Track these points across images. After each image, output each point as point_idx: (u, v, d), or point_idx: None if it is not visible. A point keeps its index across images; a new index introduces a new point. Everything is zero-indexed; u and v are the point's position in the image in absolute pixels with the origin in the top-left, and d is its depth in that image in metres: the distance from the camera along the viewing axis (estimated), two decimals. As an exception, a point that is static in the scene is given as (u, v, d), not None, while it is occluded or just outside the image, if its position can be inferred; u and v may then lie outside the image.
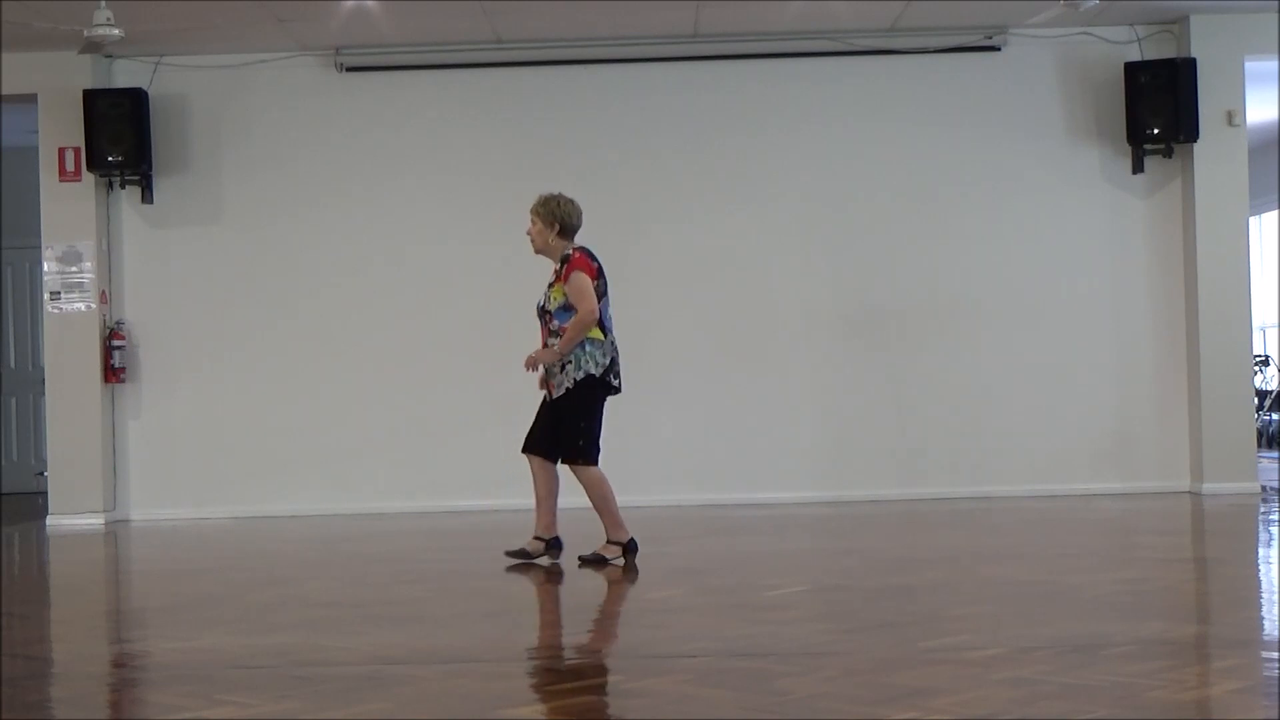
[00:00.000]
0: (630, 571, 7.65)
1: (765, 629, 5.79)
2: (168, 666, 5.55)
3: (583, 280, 7.69)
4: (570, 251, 7.82)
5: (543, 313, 7.85)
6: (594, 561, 7.80)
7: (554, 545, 7.94)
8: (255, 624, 6.30)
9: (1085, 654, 5.08)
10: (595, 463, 7.80)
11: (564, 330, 7.70)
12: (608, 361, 7.77)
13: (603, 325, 7.77)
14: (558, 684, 5.04)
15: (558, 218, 7.83)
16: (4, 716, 4.57)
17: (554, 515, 7.92)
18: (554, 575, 7.63)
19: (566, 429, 7.77)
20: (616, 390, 7.88)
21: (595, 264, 7.82)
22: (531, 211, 7.91)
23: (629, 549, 7.86)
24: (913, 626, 5.72)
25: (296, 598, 7.00)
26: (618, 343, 7.90)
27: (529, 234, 7.93)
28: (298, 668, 5.26)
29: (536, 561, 7.87)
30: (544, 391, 7.91)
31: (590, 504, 7.89)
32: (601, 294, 7.79)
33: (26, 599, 7.60)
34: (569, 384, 7.73)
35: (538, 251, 7.96)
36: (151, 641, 6.25)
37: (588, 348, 7.72)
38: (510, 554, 7.94)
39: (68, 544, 9.98)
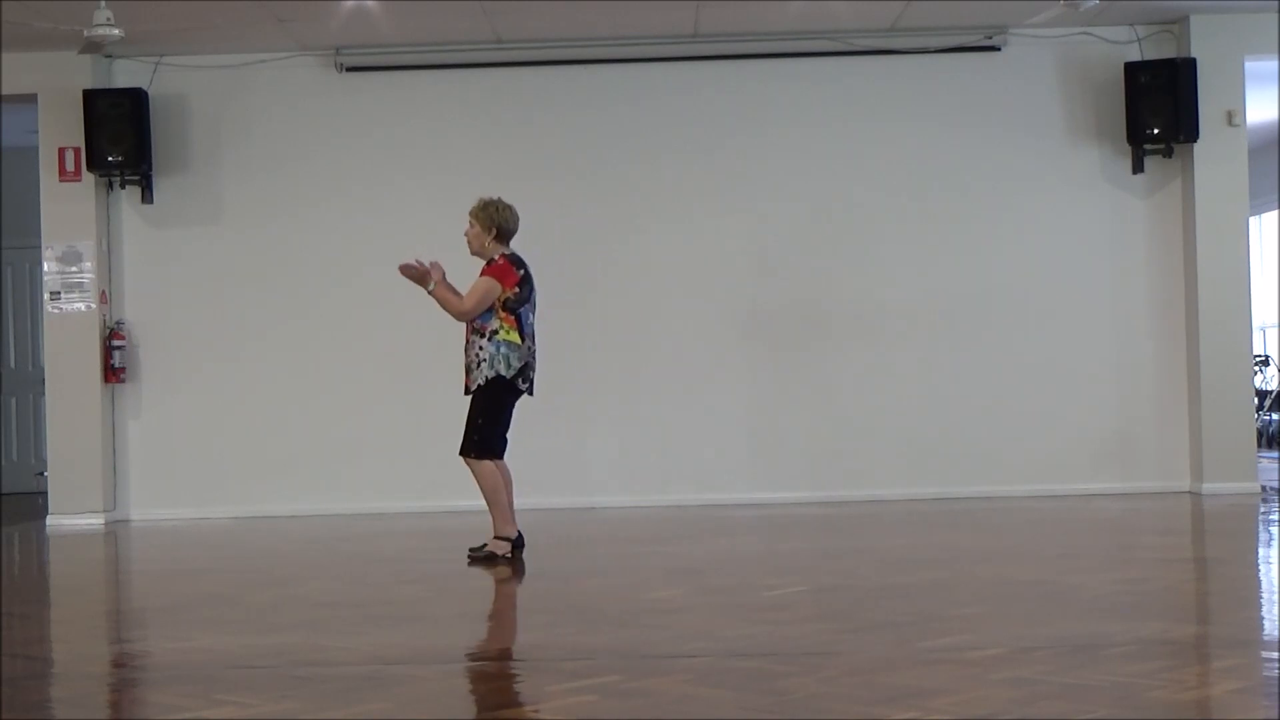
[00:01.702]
0: (517, 567, 7.83)
1: (765, 629, 5.79)
2: (168, 666, 5.55)
3: (485, 284, 7.93)
4: (496, 257, 8.01)
5: None
6: (484, 559, 7.99)
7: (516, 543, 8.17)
8: (255, 624, 6.30)
9: (1085, 654, 5.08)
10: (486, 457, 7.97)
11: (484, 329, 7.93)
12: (520, 365, 7.97)
13: (521, 331, 7.98)
14: (558, 684, 5.04)
15: (495, 222, 8.06)
16: (4, 716, 4.57)
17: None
18: (497, 578, 7.64)
19: (468, 423, 7.99)
20: (525, 393, 8.08)
21: (519, 272, 8.00)
22: (470, 214, 8.13)
23: (517, 545, 8.06)
24: (913, 626, 5.72)
25: (296, 598, 7.00)
26: (536, 350, 8.11)
27: (466, 236, 8.13)
28: (298, 668, 5.26)
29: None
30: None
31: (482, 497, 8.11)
32: (524, 301, 8.00)
33: (26, 599, 7.60)
34: (481, 381, 7.95)
35: (474, 253, 8.15)
36: (151, 641, 6.25)
37: (503, 349, 7.93)
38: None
39: (68, 544, 9.97)
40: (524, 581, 7.51)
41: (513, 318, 7.94)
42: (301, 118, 11.19)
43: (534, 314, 8.10)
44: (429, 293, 7.99)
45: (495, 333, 7.92)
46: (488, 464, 7.99)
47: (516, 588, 7.37)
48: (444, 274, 8.04)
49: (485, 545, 8.06)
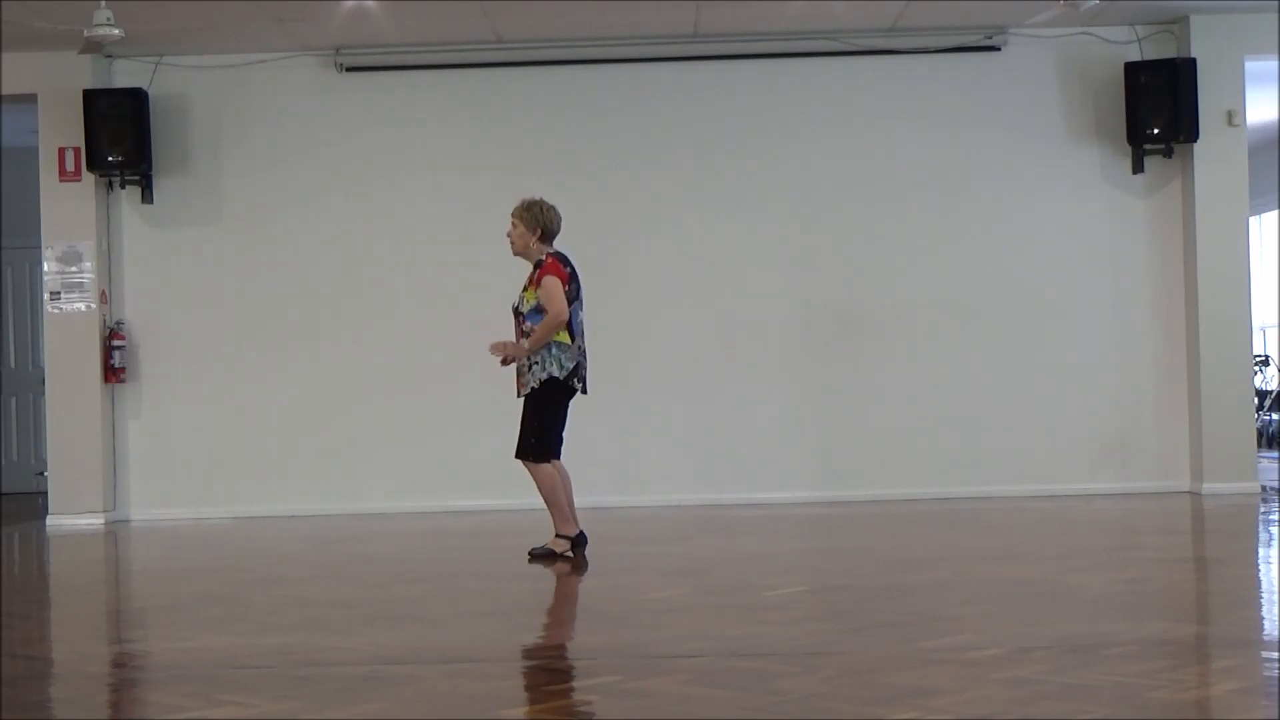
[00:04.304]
0: (581, 565, 7.86)
1: (765, 629, 5.79)
2: (168, 666, 5.55)
3: (554, 283, 7.93)
4: (544, 256, 8.03)
5: (516, 313, 8.11)
6: (544, 555, 8.03)
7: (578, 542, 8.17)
8: (255, 624, 6.30)
9: (1085, 654, 5.08)
10: (544, 460, 8.00)
11: (535, 330, 7.93)
12: (572, 365, 8.00)
13: (571, 330, 7.99)
14: (558, 684, 5.04)
15: (540, 223, 8.08)
16: (4, 716, 4.57)
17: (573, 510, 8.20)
18: (562, 574, 7.65)
19: (523, 426, 8.03)
20: (579, 392, 8.12)
21: (567, 269, 8.05)
22: (513, 215, 8.15)
23: (577, 543, 8.08)
24: (913, 626, 5.72)
25: (296, 598, 6.99)
26: (587, 348, 8.15)
27: (509, 236, 8.15)
28: (298, 668, 5.26)
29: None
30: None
31: (540, 497, 8.14)
32: (573, 299, 8.02)
33: (26, 599, 7.60)
34: (534, 384, 7.98)
35: (517, 254, 8.19)
36: (151, 641, 6.25)
37: (554, 350, 7.95)
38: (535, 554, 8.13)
39: (68, 544, 9.97)
40: (524, 582, 7.51)
41: None
42: (301, 118, 11.19)
43: (583, 311, 8.12)
44: (531, 350, 7.91)
45: None
46: (545, 466, 8.02)
47: (516, 588, 7.36)
48: (514, 343, 8.03)
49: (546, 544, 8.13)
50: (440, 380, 11.03)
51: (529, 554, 8.05)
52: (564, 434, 8.16)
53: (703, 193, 11.12)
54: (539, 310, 7.93)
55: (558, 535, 8.08)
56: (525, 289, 8.06)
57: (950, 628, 5.65)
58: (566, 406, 8.11)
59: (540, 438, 8.00)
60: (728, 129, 11.13)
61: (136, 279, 11.14)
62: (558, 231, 8.16)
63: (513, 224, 8.11)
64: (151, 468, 11.09)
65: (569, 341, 7.97)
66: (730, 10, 10.40)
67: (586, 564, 7.90)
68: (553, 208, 8.14)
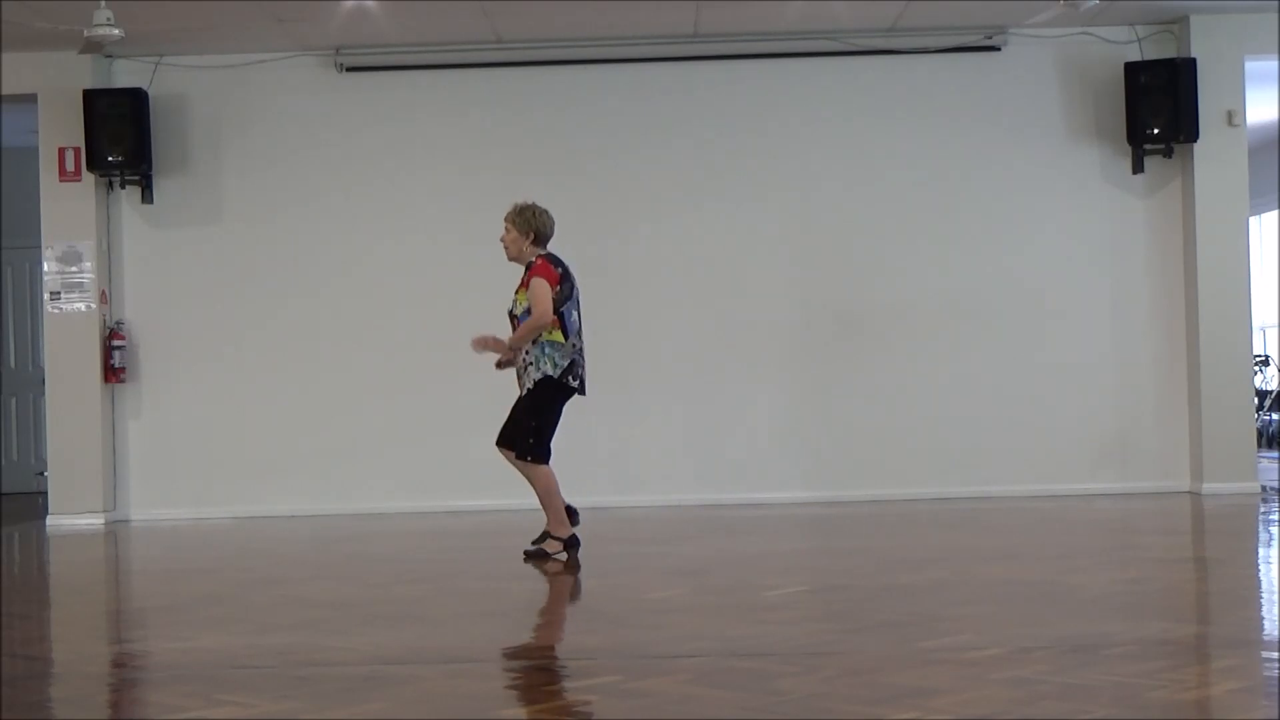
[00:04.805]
0: (573, 566, 7.84)
1: (765, 629, 5.79)
2: (168, 666, 5.56)
3: (541, 286, 7.95)
4: (534, 259, 8.06)
5: (511, 316, 8.14)
6: (537, 555, 8.05)
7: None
8: (255, 624, 6.30)
9: (1085, 654, 5.08)
10: (544, 461, 8.03)
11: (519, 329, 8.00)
12: (566, 364, 8.01)
13: (565, 329, 8.01)
14: (558, 684, 5.04)
15: (533, 227, 8.13)
16: (4, 716, 4.57)
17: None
18: (556, 574, 7.65)
19: (520, 426, 8.06)
20: (576, 392, 8.13)
21: (558, 270, 8.05)
22: (506, 220, 8.19)
23: (570, 544, 8.08)
24: (913, 626, 5.72)
25: (296, 598, 7.00)
26: (584, 347, 8.17)
27: (503, 241, 8.18)
28: (298, 668, 5.27)
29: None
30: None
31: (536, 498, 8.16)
32: (567, 298, 8.03)
33: (26, 599, 7.60)
34: (530, 384, 8.01)
35: (511, 259, 8.22)
36: (151, 641, 6.25)
37: (548, 350, 7.98)
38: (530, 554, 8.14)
39: (68, 544, 9.98)
40: (524, 582, 7.51)
41: (556, 317, 7.98)
42: (301, 118, 11.19)
43: (578, 311, 8.12)
44: (510, 347, 8.00)
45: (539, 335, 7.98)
46: (544, 467, 8.03)
47: (516, 588, 7.36)
48: (496, 337, 8.09)
49: (540, 544, 8.12)
50: (440, 380, 11.02)
51: (524, 553, 8.07)
52: (555, 437, 8.13)
53: (703, 193, 11.12)
54: (529, 313, 7.96)
55: (552, 537, 8.08)
56: (517, 291, 8.09)
57: (950, 628, 5.65)
58: (562, 406, 8.12)
59: (538, 438, 8.01)
60: (728, 129, 11.13)
61: (136, 279, 11.14)
62: (551, 235, 8.18)
63: (506, 228, 8.16)
64: (151, 468, 11.09)
65: (563, 340, 7.99)
66: (730, 10, 10.40)
67: (579, 564, 7.90)
68: (545, 212, 8.17)
